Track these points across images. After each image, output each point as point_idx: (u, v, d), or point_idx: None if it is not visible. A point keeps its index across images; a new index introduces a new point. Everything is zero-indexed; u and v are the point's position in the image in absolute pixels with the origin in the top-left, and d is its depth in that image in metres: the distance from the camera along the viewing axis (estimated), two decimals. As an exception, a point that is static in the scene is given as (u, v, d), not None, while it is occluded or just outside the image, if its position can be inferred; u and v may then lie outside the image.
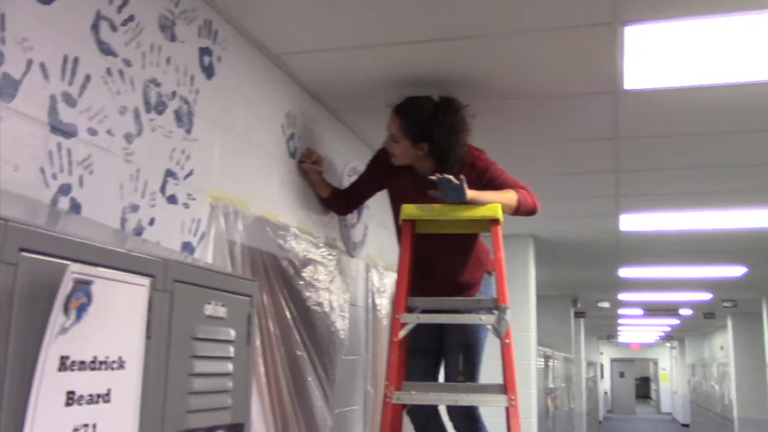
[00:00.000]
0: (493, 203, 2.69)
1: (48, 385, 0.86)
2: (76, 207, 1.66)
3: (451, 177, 2.56)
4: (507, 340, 2.61)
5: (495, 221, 2.72)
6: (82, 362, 0.92)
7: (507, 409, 2.58)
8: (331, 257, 3.05)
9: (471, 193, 2.63)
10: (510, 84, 2.89)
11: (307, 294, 2.81)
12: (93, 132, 1.73)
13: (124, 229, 1.83)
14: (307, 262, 2.83)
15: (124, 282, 1.00)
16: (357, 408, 3.45)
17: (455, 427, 3.01)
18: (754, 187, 4.43)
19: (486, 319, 2.65)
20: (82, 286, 0.91)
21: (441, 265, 2.93)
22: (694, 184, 4.42)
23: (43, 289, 0.86)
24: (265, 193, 2.63)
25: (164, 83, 2.03)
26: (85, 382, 0.93)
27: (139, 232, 1.89)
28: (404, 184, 2.93)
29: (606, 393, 29.73)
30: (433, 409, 3.06)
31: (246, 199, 2.46)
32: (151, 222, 1.95)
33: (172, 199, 2.05)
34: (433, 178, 2.59)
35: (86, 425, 0.93)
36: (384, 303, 3.80)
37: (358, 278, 3.54)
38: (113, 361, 0.98)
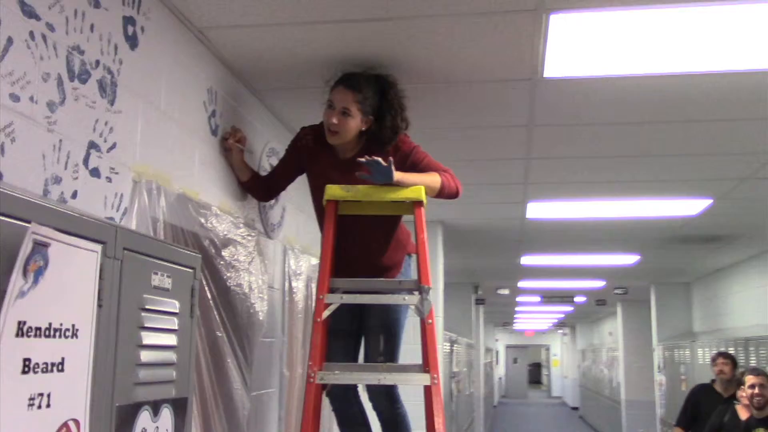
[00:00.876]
0: (418, 185, 2.71)
1: (6, 351, 0.81)
2: (-3, 176, 1.57)
3: (379, 159, 2.56)
4: (429, 320, 2.65)
5: (419, 203, 2.75)
6: (38, 329, 0.87)
7: (428, 388, 2.62)
8: (250, 238, 3.00)
9: (397, 175, 2.65)
10: (429, 68, 2.91)
11: (228, 275, 2.76)
12: (15, 98, 1.64)
13: (47, 199, 1.74)
14: (227, 242, 2.77)
15: (78, 247, 0.96)
16: (273, 391, 3.42)
17: (374, 407, 3.03)
18: (657, 176, 4.65)
19: (409, 299, 2.68)
20: (40, 248, 0.86)
21: (363, 246, 2.94)
22: (602, 173, 4.60)
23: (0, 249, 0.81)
24: (187, 170, 2.57)
25: (87, 51, 1.94)
26: (40, 350, 0.88)
27: (62, 204, 1.81)
28: (325, 166, 2.91)
29: (500, 378, 30.62)
30: (353, 391, 3.07)
31: (168, 175, 2.39)
32: (74, 195, 1.86)
33: (95, 172, 1.97)
34: (362, 160, 2.58)
35: (41, 394, 0.88)
36: (300, 286, 3.78)
37: (276, 260, 3.50)
38: (67, 329, 0.93)
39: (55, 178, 1.78)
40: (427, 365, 2.64)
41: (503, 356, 32.26)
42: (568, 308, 17.11)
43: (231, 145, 2.85)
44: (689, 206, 5.44)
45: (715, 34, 2.60)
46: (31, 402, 0.87)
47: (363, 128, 2.77)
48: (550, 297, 13.47)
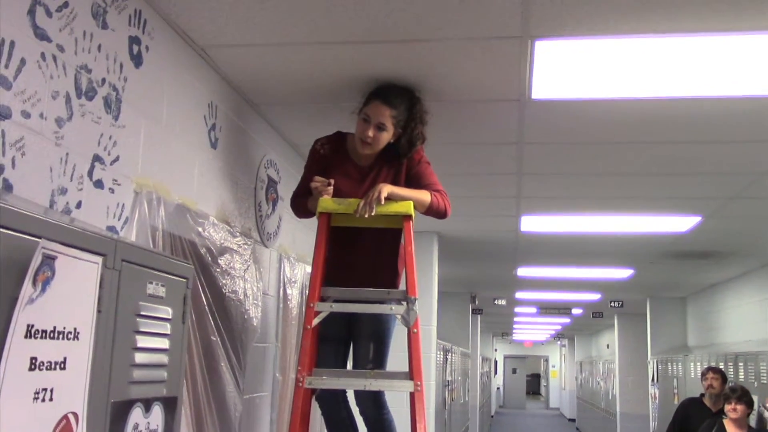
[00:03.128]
0: (408, 200, 2.84)
1: (16, 351, 0.93)
2: (8, 187, 1.69)
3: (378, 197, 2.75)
4: (415, 330, 2.77)
5: (407, 217, 2.87)
6: (44, 331, 1.00)
7: (412, 395, 2.74)
8: (246, 246, 3.13)
9: (387, 189, 2.77)
10: (423, 88, 3.03)
11: (223, 281, 2.88)
12: (26, 115, 1.77)
13: (52, 210, 1.87)
14: (223, 250, 2.90)
15: (81, 259, 1.08)
16: (266, 395, 3.54)
17: (361, 412, 3.14)
18: (646, 194, 4.77)
19: (396, 309, 2.80)
20: (48, 261, 0.98)
21: (367, 258, 3.04)
22: (592, 189, 4.72)
23: (11, 261, 0.93)
24: (186, 181, 2.69)
25: (95, 70, 2.07)
26: (45, 350, 1.00)
27: (67, 213, 1.93)
28: (343, 174, 3.00)
29: (498, 388, 30.67)
30: (341, 396, 3.19)
31: (168, 186, 2.51)
32: (78, 205, 1.99)
33: (98, 184, 2.09)
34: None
35: (45, 389, 1.00)
36: (294, 293, 3.90)
37: (271, 268, 3.62)
38: (69, 332, 1.06)
39: (61, 189, 1.91)
40: (412, 373, 2.76)
41: (502, 366, 32.31)
42: (566, 320, 17.20)
43: (322, 191, 2.90)
44: (679, 223, 5.56)
45: (698, 61, 2.72)
46: (36, 396, 1.00)
47: (392, 141, 2.91)
48: (547, 308, 13.57)
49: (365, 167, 3.00)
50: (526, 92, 3.04)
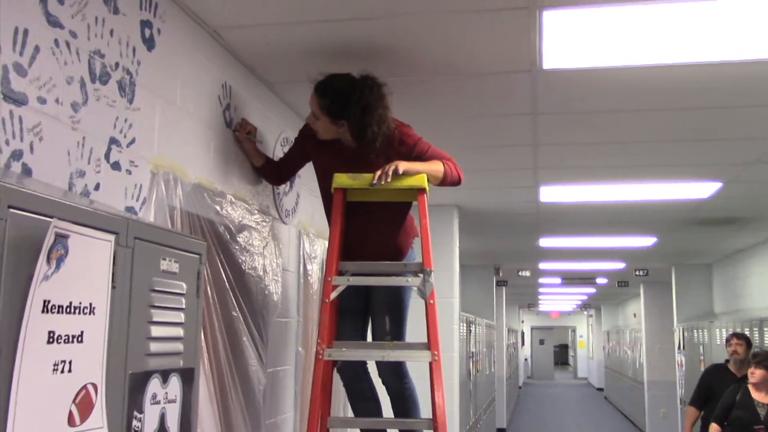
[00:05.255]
0: (422, 173, 2.87)
1: (34, 325, 0.99)
2: (27, 171, 1.75)
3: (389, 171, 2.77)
4: (431, 301, 2.81)
5: (422, 190, 2.90)
6: (60, 306, 1.06)
7: (431, 365, 2.79)
8: (264, 224, 3.18)
9: (403, 165, 2.80)
10: (434, 61, 3.05)
11: (243, 258, 2.94)
12: (42, 101, 1.82)
13: (71, 192, 1.93)
14: (242, 228, 2.95)
15: (94, 237, 1.13)
16: (288, 368, 3.61)
17: (384, 383, 3.21)
18: (664, 161, 4.75)
19: (412, 281, 2.84)
20: (61, 239, 1.03)
21: (374, 232, 3.09)
22: (609, 158, 4.71)
23: (27, 240, 0.99)
24: (203, 161, 2.74)
25: (108, 55, 2.12)
26: (62, 324, 1.06)
27: (86, 196, 1.99)
28: (331, 155, 3.06)
29: (526, 359, 30.77)
30: (362, 368, 3.25)
31: (185, 166, 2.57)
32: (97, 187, 2.05)
33: (116, 166, 2.15)
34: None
35: (63, 361, 1.06)
36: (314, 269, 3.96)
37: (290, 244, 3.68)
38: (85, 307, 1.11)
39: (79, 172, 1.97)
40: (430, 343, 2.81)
41: (529, 337, 32.37)
42: (591, 290, 17.18)
43: (240, 137, 3.02)
44: (700, 189, 5.53)
45: (709, 25, 2.71)
46: (55, 367, 1.06)
47: (340, 129, 2.92)
48: (571, 279, 13.55)
49: (353, 149, 2.99)
50: (537, 62, 3.04)
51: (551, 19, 2.66)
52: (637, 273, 11.56)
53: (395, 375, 3.19)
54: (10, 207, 0.97)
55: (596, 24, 2.73)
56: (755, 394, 5.26)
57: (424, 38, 2.84)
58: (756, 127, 3.95)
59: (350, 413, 3.51)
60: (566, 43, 2.91)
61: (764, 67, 3.06)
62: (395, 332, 3.13)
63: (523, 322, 28.61)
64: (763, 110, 3.65)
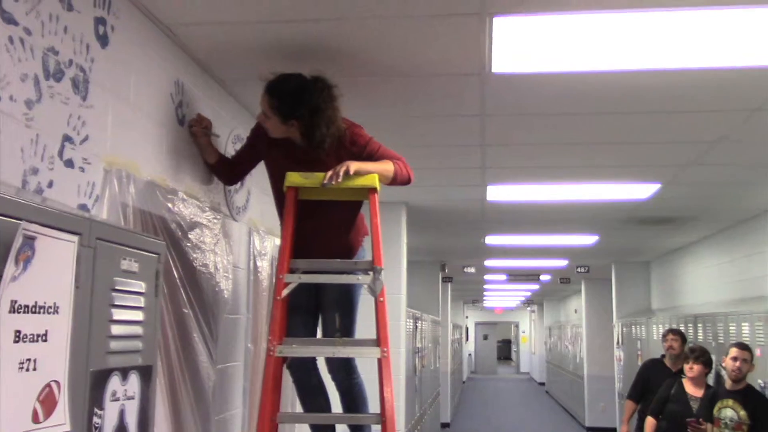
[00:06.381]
0: (374, 173, 2.92)
1: (2, 325, 1.01)
2: (-19, 169, 1.75)
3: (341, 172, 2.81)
4: (381, 299, 2.87)
5: (373, 190, 2.95)
6: (27, 306, 1.08)
7: (380, 361, 2.85)
8: (216, 221, 3.20)
9: (354, 165, 2.85)
10: (386, 63, 3.11)
11: (194, 255, 2.95)
12: (-3, 98, 1.82)
13: (25, 190, 1.93)
14: (193, 225, 2.96)
15: (59, 239, 1.16)
16: (238, 364, 3.63)
17: (334, 379, 3.26)
18: (606, 163, 4.91)
19: (363, 279, 2.90)
20: (29, 241, 1.05)
21: (325, 230, 3.13)
22: (554, 159, 4.84)
23: (-6, 243, 1.01)
24: (155, 158, 2.75)
25: (62, 52, 2.11)
26: (28, 323, 1.08)
27: (39, 193, 1.99)
28: (283, 154, 3.09)
29: (470, 355, 31.13)
30: (311, 364, 3.29)
31: (137, 164, 2.57)
32: (50, 184, 2.04)
33: (69, 163, 2.15)
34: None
35: (29, 359, 1.09)
36: (264, 266, 3.98)
37: (241, 241, 3.69)
38: (50, 307, 1.13)
39: (32, 170, 1.96)
40: (379, 340, 2.87)
41: (473, 333, 32.76)
42: (534, 286, 17.49)
43: (197, 131, 3.03)
44: (640, 190, 5.72)
45: (651, 35, 2.82)
46: (21, 366, 1.08)
47: (291, 129, 2.94)
48: (516, 275, 13.80)
49: (303, 149, 3.01)
50: (486, 66, 3.12)
51: (501, 26, 2.74)
52: (579, 270, 11.85)
53: (345, 371, 3.24)
54: (-23, 209, 0.99)
55: (544, 31, 2.82)
56: (689, 389, 5.46)
57: (377, 41, 2.90)
58: (692, 132, 4.12)
59: (299, 409, 3.55)
60: (515, 49, 3.00)
61: (697, 75, 3.21)
62: (345, 329, 3.18)
63: (467, 317, 28.95)
64: (698, 115, 3.82)
